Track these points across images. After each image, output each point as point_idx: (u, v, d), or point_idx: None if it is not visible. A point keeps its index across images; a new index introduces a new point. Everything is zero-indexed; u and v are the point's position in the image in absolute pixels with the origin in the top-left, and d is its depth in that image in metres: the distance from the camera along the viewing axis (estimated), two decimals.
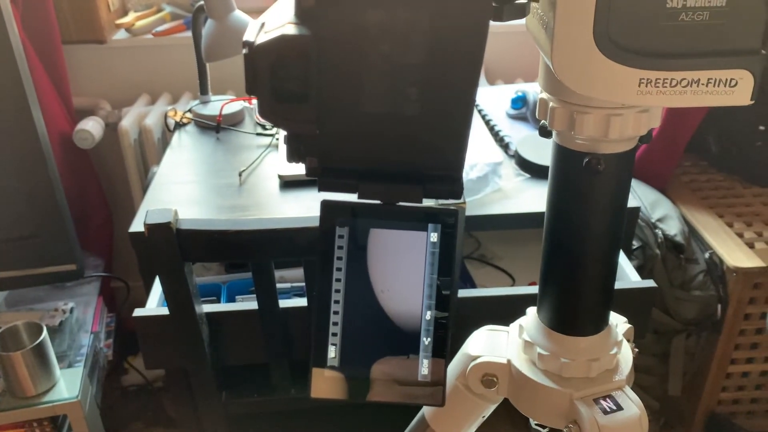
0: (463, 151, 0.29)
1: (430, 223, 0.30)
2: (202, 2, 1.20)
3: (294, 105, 0.26)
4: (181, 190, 1.13)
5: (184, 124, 1.35)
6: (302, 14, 0.25)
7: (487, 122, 1.31)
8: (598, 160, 0.47)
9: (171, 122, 1.36)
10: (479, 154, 1.14)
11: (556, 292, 0.54)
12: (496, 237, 1.20)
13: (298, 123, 0.26)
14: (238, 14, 1.18)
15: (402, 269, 0.30)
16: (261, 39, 0.25)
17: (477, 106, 1.38)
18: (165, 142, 1.56)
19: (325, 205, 0.29)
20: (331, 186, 0.29)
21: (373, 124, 0.27)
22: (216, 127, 1.31)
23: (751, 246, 1.38)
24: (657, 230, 1.36)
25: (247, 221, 0.79)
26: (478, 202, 1.07)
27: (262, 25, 0.26)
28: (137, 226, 1.04)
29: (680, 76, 0.43)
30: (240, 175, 1.15)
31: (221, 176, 1.16)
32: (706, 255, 1.39)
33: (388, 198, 0.29)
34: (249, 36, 0.25)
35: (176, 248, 0.75)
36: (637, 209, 1.04)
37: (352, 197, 0.29)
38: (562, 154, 0.49)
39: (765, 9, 0.42)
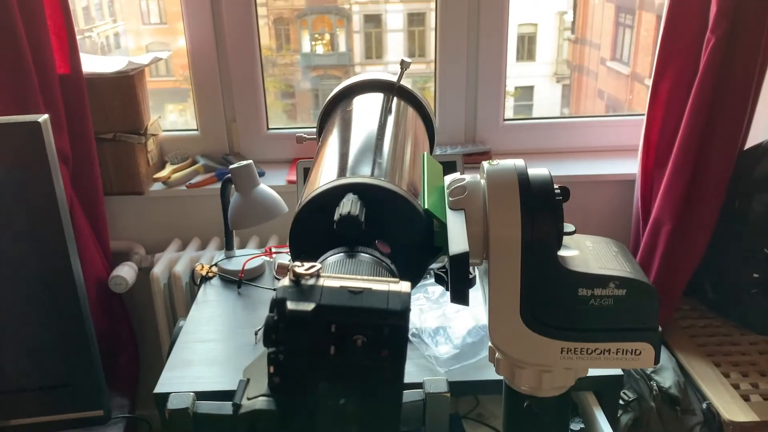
0: None
1: None
2: (229, 175, 1.35)
3: None
4: (203, 348, 1.24)
5: (210, 278, 1.47)
6: (272, 387, 0.37)
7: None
8: (534, 405, 0.56)
9: (198, 276, 1.49)
10: (476, 316, 1.23)
11: None
12: (494, 396, 1.28)
13: None
14: (262, 188, 1.33)
15: None
16: (244, 406, 0.36)
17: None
18: (192, 289, 1.69)
19: None
20: None
21: None
22: (238, 282, 1.43)
23: (746, 398, 1.43)
24: (652, 382, 1.42)
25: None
26: (473, 366, 1.16)
27: (247, 383, 0.38)
28: (162, 386, 1.15)
29: (594, 346, 0.53)
30: (256, 334, 1.26)
31: (240, 334, 1.27)
32: (704, 406, 1.44)
33: None
34: (237, 398, 0.37)
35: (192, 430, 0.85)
36: (620, 377, 1.11)
37: None
38: (509, 393, 0.59)
39: (656, 297, 0.52)
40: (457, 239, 0.48)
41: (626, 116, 1.98)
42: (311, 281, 0.36)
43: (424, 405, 0.85)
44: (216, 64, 1.81)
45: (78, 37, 1.60)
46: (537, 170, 0.53)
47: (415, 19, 2.29)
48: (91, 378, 1.31)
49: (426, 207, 0.52)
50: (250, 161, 1.34)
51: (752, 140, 1.65)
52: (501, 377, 1.14)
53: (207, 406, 0.89)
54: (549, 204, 0.51)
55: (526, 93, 2.91)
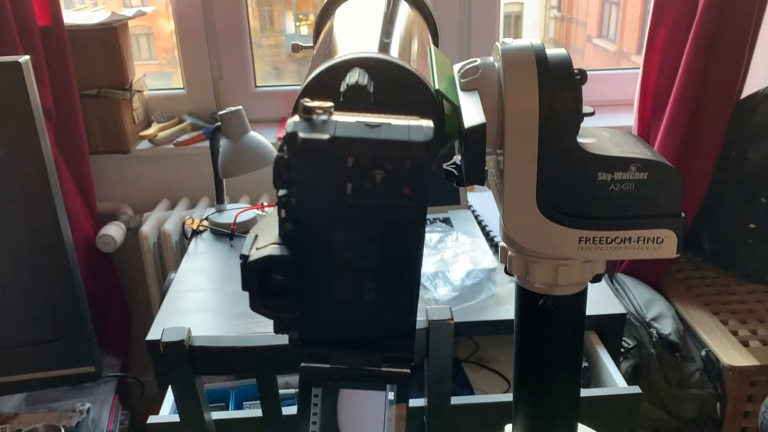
0: (412, 326, 0.37)
1: (387, 383, 0.37)
2: (219, 123, 1.32)
3: (277, 300, 0.34)
4: (196, 297, 1.21)
5: (201, 232, 1.44)
6: (284, 235, 0.33)
7: (483, 227, 1.39)
8: (550, 302, 0.54)
9: (188, 230, 1.45)
10: (474, 260, 1.21)
11: (526, 412, 0.60)
12: (493, 340, 1.26)
13: (280, 312, 0.34)
14: (252, 135, 1.29)
15: (366, 422, 0.37)
16: (253, 255, 0.33)
17: (474, 212, 1.47)
18: (182, 246, 1.65)
19: (304, 370, 0.37)
20: (309, 357, 0.37)
21: (340, 309, 0.35)
22: (230, 235, 1.40)
23: (745, 344, 1.42)
24: (651, 329, 1.41)
25: (254, 338, 0.86)
26: (473, 308, 1.14)
27: (255, 237, 0.35)
28: (154, 334, 1.12)
29: (614, 235, 0.50)
30: None
31: (234, 283, 1.24)
32: (703, 353, 1.43)
33: (353, 364, 0.36)
34: (245, 249, 0.34)
35: (188, 363, 0.82)
36: (622, 315, 1.09)
37: None
38: (521, 293, 0.56)
39: (679, 180, 0.50)
40: (473, 113, 0.45)
41: (619, 70, 1.96)
42: (324, 116, 0.33)
43: (427, 333, 0.83)
44: (202, 19, 1.76)
45: None
46: (555, 50, 0.50)
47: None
48: (81, 334, 1.29)
49: (437, 88, 0.49)
50: (240, 107, 1.30)
51: (749, 89, 1.64)
52: (500, 318, 1.12)
53: (203, 340, 0.86)
54: (569, 82, 0.48)
55: None
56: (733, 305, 1.56)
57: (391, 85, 0.47)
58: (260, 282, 0.33)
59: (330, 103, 0.34)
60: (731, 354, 1.39)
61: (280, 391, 0.90)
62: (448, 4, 1.76)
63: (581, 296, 0.55)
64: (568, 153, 0.49)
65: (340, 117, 0.33)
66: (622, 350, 1.39)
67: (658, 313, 1.45)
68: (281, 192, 0.32)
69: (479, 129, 0.44)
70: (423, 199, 0.32)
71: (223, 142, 1.31)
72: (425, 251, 1.26)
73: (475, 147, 0.44)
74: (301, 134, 0.31)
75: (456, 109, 0.49)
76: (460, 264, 1.19)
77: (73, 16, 1.66)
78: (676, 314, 1.49)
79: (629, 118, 1.76)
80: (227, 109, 1.28)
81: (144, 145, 1.76)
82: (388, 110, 0.47)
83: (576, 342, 0.58)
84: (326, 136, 0.31)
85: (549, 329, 0.56)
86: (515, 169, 0.49)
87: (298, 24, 2.36)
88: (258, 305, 0.34)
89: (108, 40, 1.63)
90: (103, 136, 1.72)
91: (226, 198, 1.51)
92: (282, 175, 0.32)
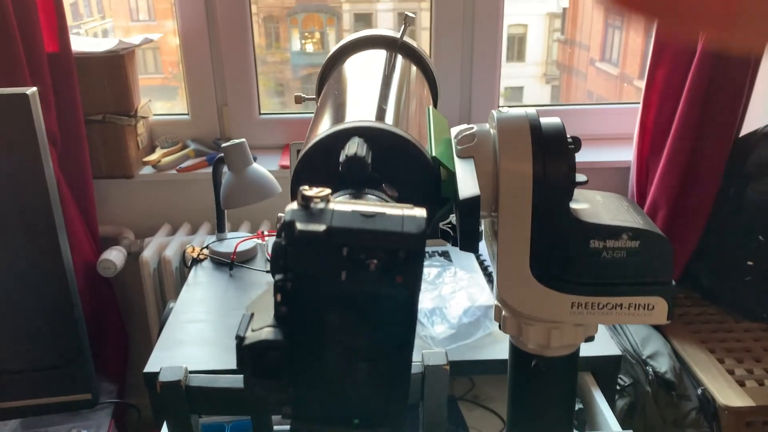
0: (403, 403, 0.38)
1: None
2: (222, 154, 1.33)
3: (271, 380, 0.35)
4: (195, 329, 1.22)
5: (201, 260, 1.45)
6: (279, 317, 0.34)
7: (481, 262, 1.40)
8: (543, 364, 0.55)
9: (189, 258, 1.46)
10: (472, 296, 1.22)
11: None
12: (490, 378, 1.26)
13: (274, 392, 0.35)
14: (254, 167, 1.31)
15: None
16: (248, 338, 0.34)
17: None
18: (182, 273, 1.66)
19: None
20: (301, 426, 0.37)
21: (333, 388, 0.36)
22: (230, 264, 1.41)
23: (741, 384, 1.42)
24: (648, 367, 1.41)
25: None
26: (469, 346, 1.14)
27: (252, 317, 0.36)
28: (152, 366, 1.12)
29: (606, 301, 0.51)
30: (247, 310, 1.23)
31: (232, 315, 1.25)
32: (699, 391, 1.43)
33: None
34: (240, 330, 0.35)
35: (185, 403, 0.82)
36: (618, 357, 1.10)
37: None
38: (515, 352, 0.57)
39: (670, 249, 0.51)
40: (468, 183, 0.46)
41: (619, 104, 1.97)
42: (321, 205, 0.34)
43: (422, 378, 0.84)
44: (207, 46, 1.78)
45: None
46: (549, 118, 0.51)
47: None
48: (78, 361, 1.29)
49: (434, 154, 0.50)
50: (243, 140, 1.31)
51: (747, 127, 1.65)
52: (496, 358, 1.13)
53: (200, 380, 0.86)
54: (562, 151, 0.49)
55: (515, 93, 2.91)
56: (730, 343, 1.56)
57: (389, 152, 0.49)
58: (254, 363, 0.34)
59: (327, 191, 0.35)
60: (727, 394, 1.39)
61: (275, 428, 0.90)
62: (451, 27, 1.78)
63: (573, 357, 0.56)
64: (561, 220, 0.50)
65: (336, 205, 0.34)
66: (618, 387, 1.39)
67: (655, 350, 1.45)
68: (278, 276, 0.33)
69: (473, 201, 0.45)
70: (415, 287, 0.33)
71: (225, 173, 1.32)
72: (423, 286, 1.27)
73: (469, 218, 0.45)
74: (299, 225, 0.32)
75: (452, 174, 0.50)
76: (458, 300, 1.20)
77: (80, 42, 1.69)
78: (672, 352, 1.49)
79: (629, 153, 1.77)
80: (230, 142, 1.29)
81: (147, 170, 1.77)
82: (387, 176, 0.48)
83: (568, 398, 0.59)
84: (322, 227, 0.32)
85: (541, 388, 0.57)
86: (509, 234, 0.50)
87: (303, 42, 2.39)
88: (251, 386, 0.35)
89: (114, 67, 1.65)
90: (107, 160, 1.73)
91: (227, 225, 1.52)
92: (279, 262, 0.33)
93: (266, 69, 2.18)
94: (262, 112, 1.89)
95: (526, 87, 2.96)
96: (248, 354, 0.34)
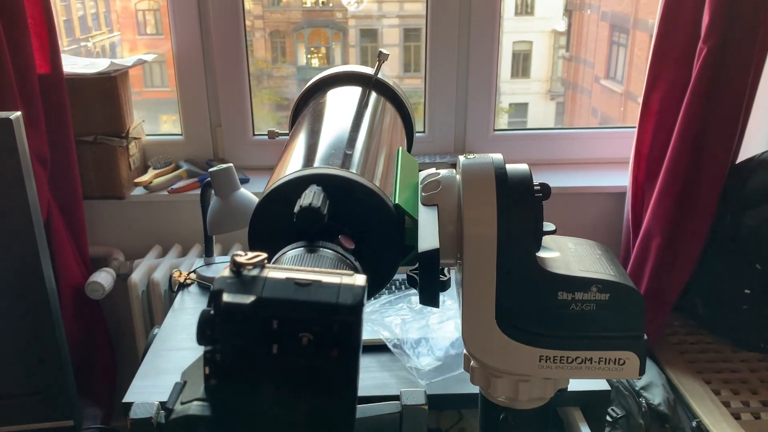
0: None
1: None
2: (209, 179, 1.32)
3: None
4: (177, 357, 1.20)
5: (188, 285, 1.43)
6: (208, 390, 0.33)
7: None
8: (511, 418, 0.53)
9: (175, 282, 1.45)
10: (458, 329, 1.20)
11: None
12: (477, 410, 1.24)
13: None
14: (241, 192, 1.29)
15: None
16: (175, 411, 0.32)
17: None
18: (171, 296, 1.64)
19: None
20: None
21: None
22: None
23: (737, 417, 1.39)
24: (641, 399, 1.38)
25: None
26: (456, 379, 1.12)
27: (184, 385, 0.34)
28: (131, 396, 1.10)
29: (575, 355, 0.49)
30: None
31: None
32: (693, 424, 1.40)
33: None
34: (169, 401, 0.33)
35: None
36: (607, 392, 1.07)
37: None
38: (484, 404, 0.55)
39: (641, 303, 0.49)
40: (428, 236, 0.45)
41: (617, 128, 1.96)
42: (254, 272, 0.32)
43: (400, 418, 0.82)
44: (202, 67, 1.77)
45: (73, 46, 1.56)
46: (515, 165, 0.50)
47: (411, 35, 2.28)
48: (61, 386, 1.27)
49: (397, 202, 0.49)
50: (230, 164, 1.30)
51: (744, 154, 1.63)
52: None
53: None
54: (527, 200, 0.47)
55: (520, 110, 2.90)
56: (725, 374, 1.53)
57: (349, 200, 0.47)
58: None
59: (263, 256, 0.33)
60: (722, 427, 1.36)
61: None
62: (446, 37, 1.77)
63: (544, 410, 0.54)
64: (527, 271, 0.48)
65: (271, 272, 0.32)
66: (610, 420, 1.37)
67: (648, 381, 1.42)
68: (207, 348, 0.32)
69: (432, 255, 0.43)
70: (352, 360, 0.32)
71: (212, 200, 1.31)
72: (410, 315, 1.25)
73: (429, 272, 0.44)
74: (226, 296, 0.31)
75: (416, 222, 0.49)
76: (445, 331, 1.18)
77: (72, 63, 1.68)
78: (666, 382, 1.46)
79: (624, 178, 1.75)
80: (217, 167, 1.28)
81: (139, 191, 1.76)
82: (348, 223, 0.46)
83: None
84: (250, 299, 0.31)
85: None
86: (473, 285, 0.48)
87: (309, 56, 2.38)
88: None
89: (106, 89, 1.64)
90: (98, 181, 1.72)
91: (217, 248, 1.51)
92: (206, 332, 0.31)
93: (272, 83, 2.18)
94: (255, 132, 1.88)
95: (530, 103, 2.96)
96: (174, 429, 0.32)
